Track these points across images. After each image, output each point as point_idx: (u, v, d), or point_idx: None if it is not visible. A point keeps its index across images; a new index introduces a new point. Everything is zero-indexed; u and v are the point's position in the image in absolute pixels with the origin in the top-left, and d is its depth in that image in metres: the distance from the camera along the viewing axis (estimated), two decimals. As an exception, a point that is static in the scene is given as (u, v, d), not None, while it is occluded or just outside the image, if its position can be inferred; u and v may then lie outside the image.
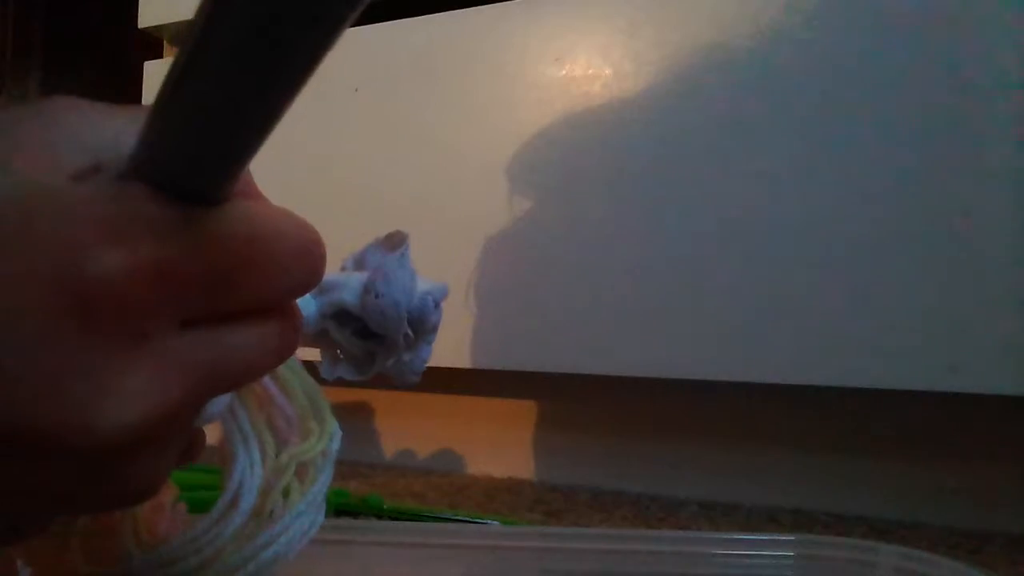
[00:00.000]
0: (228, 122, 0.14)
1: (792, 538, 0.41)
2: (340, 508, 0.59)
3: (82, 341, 0.16)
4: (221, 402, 0.25)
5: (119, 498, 0.19)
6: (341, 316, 0.28)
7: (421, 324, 0.29)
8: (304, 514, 0.27)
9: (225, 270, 0.17)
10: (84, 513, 0.20)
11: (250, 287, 0.18)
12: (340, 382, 0.31)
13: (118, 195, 0.16)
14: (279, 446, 0.27)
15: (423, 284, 0.29)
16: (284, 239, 0.18)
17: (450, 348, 0.69)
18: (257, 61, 0.13)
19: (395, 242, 0.29)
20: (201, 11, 0.12)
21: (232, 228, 0.17)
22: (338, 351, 0.30)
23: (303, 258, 0.19)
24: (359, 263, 0.29)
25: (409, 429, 0.84)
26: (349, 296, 0.28)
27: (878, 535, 0.58)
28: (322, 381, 0.30)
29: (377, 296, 0.27)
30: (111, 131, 0.17)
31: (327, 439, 0.28)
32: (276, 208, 0.19)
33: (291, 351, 0.20)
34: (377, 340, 0.29)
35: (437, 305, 0.29)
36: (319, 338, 0.29)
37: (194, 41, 0.13)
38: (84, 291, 0.15)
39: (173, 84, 0.14)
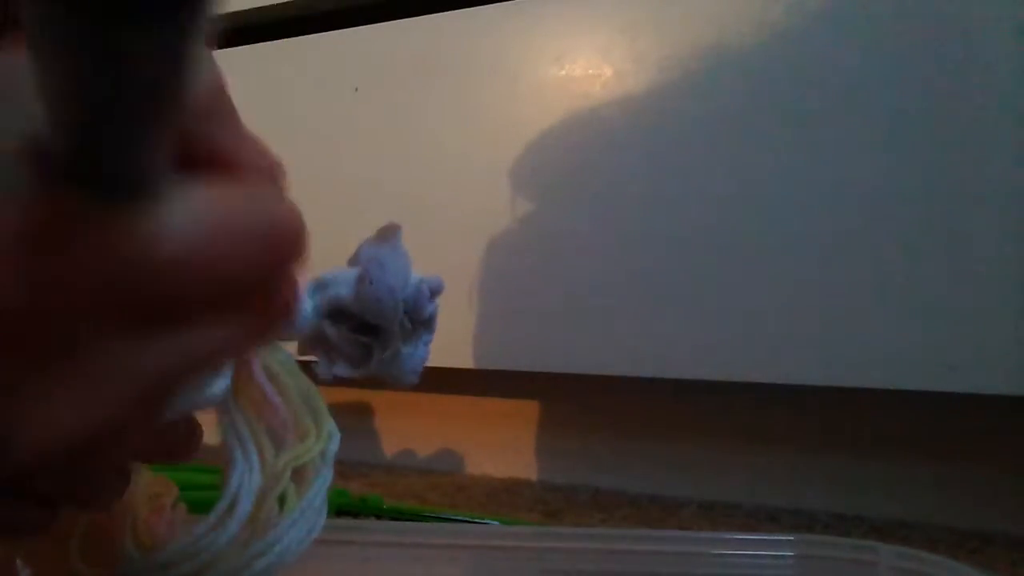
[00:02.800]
0: (103, 85, 0.11)
1: (792, 538, 0.41)
2: (340, 508, 0.59)
3: None
4: (219, 386, 0.24)
5: (83, 501, 0.19)
6: (336, 314, 0.28)
7: (416, 313, 0.29)
8: (300, 521, 0.26)
9: (166, 272, 0.15)
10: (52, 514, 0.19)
11: (197, 287, 0.16)
12: (340, 382, 0.31)
13: (17, 192, 0.14)
14: (276, 449, 0.27)
15: (417, 276, 0.29)
16: (230, 233, 0.16)
17: (450, 348, 0.69)
18: None
19: (387, 232, 0.29)
20: None
21: (159, 227, 0.15)
22: (330, 338, 0.30)
23: (260, 245, 0.16)
24: (352, 259, 0.29)
25: (409, 429, 0.84)
26: (343, 290, 0.28)
27: (878, 535, 0.58)
28: (320, 381, 0.30)
29: (371, 283, 0.27)
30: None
31: (324, 440, 0.28)
32: (229, 192, 0.16)
33: (274, 327, 0.19)
34: (373, 333, 0.29)
35: (433, 295, 0.29)
36: (314, 341, 0.29)
37: None
38: None
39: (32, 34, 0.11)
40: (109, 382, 0.16)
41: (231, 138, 0.17)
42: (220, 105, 0.17)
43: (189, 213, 0.15)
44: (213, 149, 0.17)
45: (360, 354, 0.29)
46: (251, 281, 0.17)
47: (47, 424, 0.15)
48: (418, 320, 0.29)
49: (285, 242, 0.17)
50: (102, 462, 0.18)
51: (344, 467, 0.77)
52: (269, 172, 0.18)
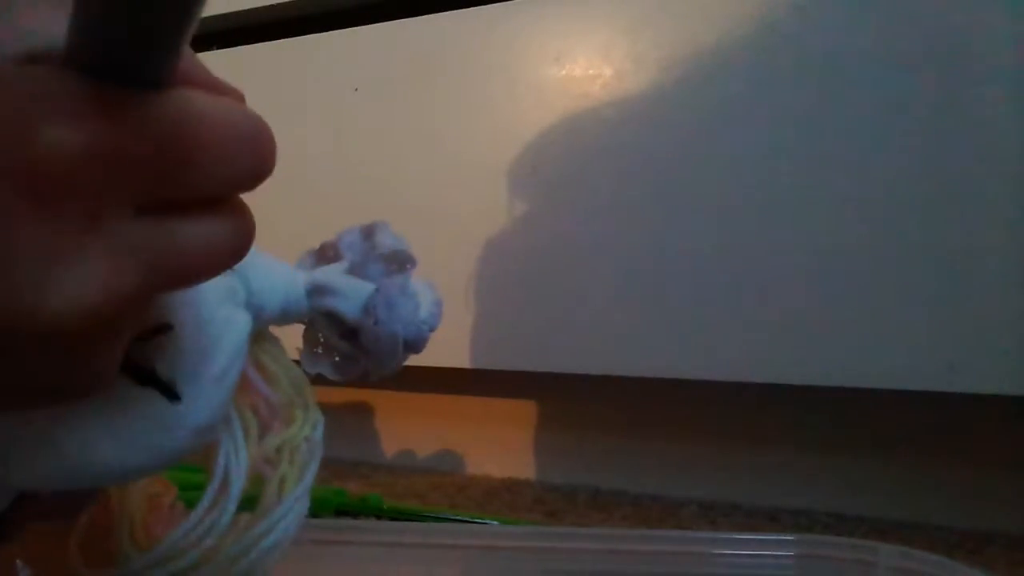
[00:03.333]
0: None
1: (792, 538, 0.41)
2: (340, 508, 0.59)
3: (33, 222, 0.15)
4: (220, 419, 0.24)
5: (74, 388, 0.19)
6: (333, 316, 0.28)
7: (412, 348, 0.29)
8: (300, 500, 0.27)
9: (172, 153, 0.17)
10: (40, 406, 0.20)
11: (197, 173, 0.17)
12: (330, 380, 0.31)
13: (65, 77, 0.16)
14: (262, 430, 0.27)
15: (423, 307, 0.29)
16: (227, 125, 0.18)
17: (450, 348, 0.69)
18: None
19: (401, 261, 0.29)
20: None
21: (176, 110, 0.17)
22: (321, 336, 0.30)
23: (250, 144, 0.19)
24: (359, 269, 0.29)
25: (409, 429, 0.84)
26: (347, 308, 0.28)
27: (878, 535, 0.58)
28: (315, 380, 0.30)
29: (376, 322, 0.27)
30: (57, 17, 0.17)
31: (310, 426, 0.28)
32: (220, 97, 0.18)
33: (242, 252, 0.20)
34: (364, 351, 0.29)
35: (432, 330, 0.29)
36: (306, 333, 0.29)
37: None
38: (34, 170, 0.15)
39: None
40: (127, 255, 0.17)
41: (205, 69, 0.20)
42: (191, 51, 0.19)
43: (195, 102, 0.17)
44: (194, 72, 0.18)
45: (346, 362, 0.29)
46: (239, 174, 0.19)
47: (73, 290, 0.16)
48: (411, 352, 0.29)
49: (266, 143, 0.19)
50: (105, 347, 0.19)
51: (344, 467, 0.77)
52: (239, 96, 0.21)
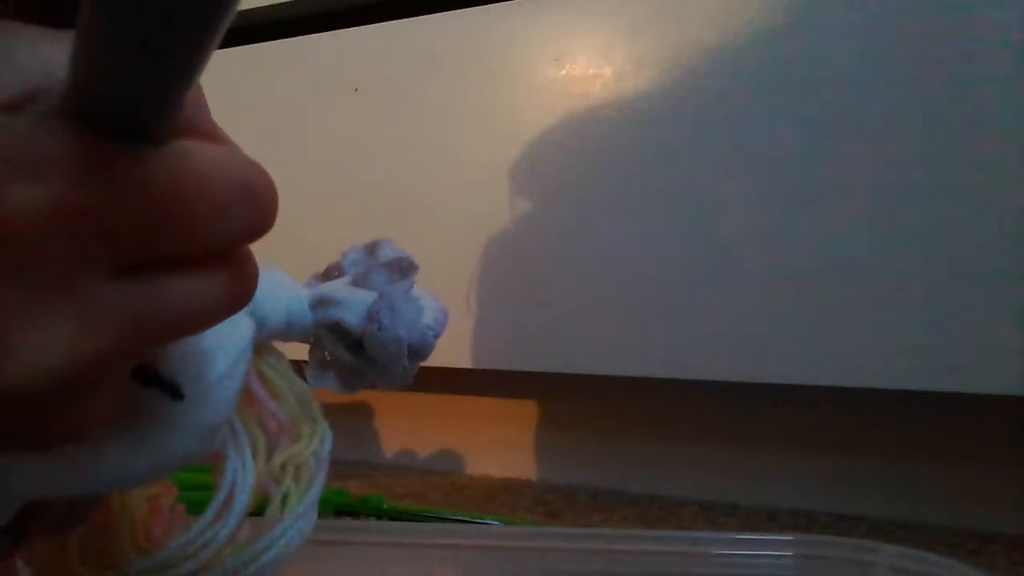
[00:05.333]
0: (150, 44, 0.13)
1: (792, 538, 0.41)
2: (340, 508, 0.59)
3: None
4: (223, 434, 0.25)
5: (59, 438, 0.19)
6: (336, 329, 0.28)
7: (417, 355, 0.29)
8: (303, 517, 0.27)
9: (158, 213, 0.16)
10: (27, 451, 0.20)
11: (187, 231, 0.17)
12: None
13: (46, 129, 0.15)
14: (270, 447, 0.27)
15: (427, 313, 0.29)
16: (224, 179, 0.17)
17: (450, 348, 0.69)
18: None
19: (403, 267, 0.29)
20: None
21: (165, 167, 0.16)
22: (326, 354, 0.30)
23: (247, 200, 0.18)
24: (362, 279, 0.29)
25: (409, 429, 0.84)
26: (350, 317, 0.28)
27: (878, 535, 0.58)
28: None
29: (379, 328, 0.27)
30: (57, 58, 0.16)
31: (318, 440, 0.28)
32: (220, 148, 0.17)
33: (242, 302, 0.19)
34: (369, 361, 0.29)
35: (436, 337, 0.29)
36: (311, 348, 0.29)
37: None
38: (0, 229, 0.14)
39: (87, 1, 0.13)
40: (102, 317, 0.16)
41: (209, 116, 0.19)
42: (199, 90, 0.18)
43: (188, 157, 0.16)
44: (195, 120, 0.18)
45: (352, 374, 0.29)
46: (235, 232, 0.18)
47: (32, 356, 0.15)
48: (417, 359, 0.29)
49: (267, 199, 0.18)
50: (89, 399, 0.18)
51: (344, 467, 0.77)
52: (244, 153, 0.20)
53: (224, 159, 0.17)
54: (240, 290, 0.19)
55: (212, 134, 0.18)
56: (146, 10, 0.12)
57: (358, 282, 0.29)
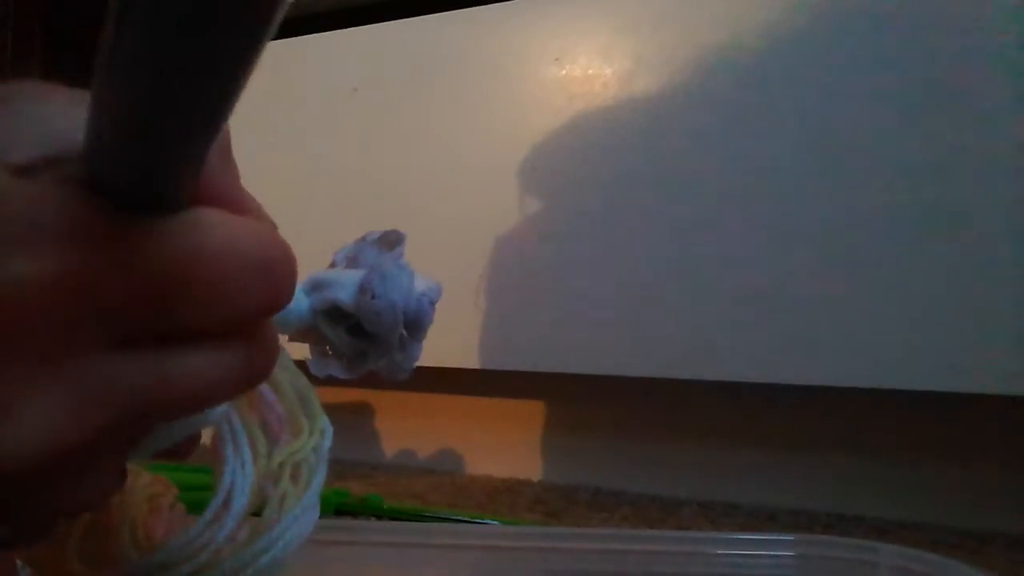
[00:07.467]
0: (165, 112, 0.12)
1: (792, 538, 0.41)
2: (340, 508, 0.59)
3: None
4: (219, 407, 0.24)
5: (42, 520, 0.18)
6: (333, 313, 0.28)
7: (416, 325, 0.29)
8: (301, 518, 0.26)
9: (164, 287, 0.15)
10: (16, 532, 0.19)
11: (195, 307, 0.16)
12: (338, 381, 0.30)
13: (56, 196, 0.14)
14: (270, 445, 0.27)
15: (419, 282, 0.29)
16: (239, 255, 0.16)
17: (452, 348, 0.69)
18: (190, 39, 0.11)
19: (391, 240, 0.29)
20: None
21: (177, 241, 0.15)
22: (328, 348, 0.30)
23: (263, 276, 0.17)
24: (352, 260, 0.29)
25: (409, 429, 0.84)
26: (344, 295, 0.28)
27: (878, 535, 0.58)
28: (315, 379, 0.30)
29: (373, 297, 0.27)
30: (79, 120, 0.15)
31: (318, 435, 0.28)
32: (239, 220, 0.16)
33: (260, 377, 0.18)
34: (369, 339, 0.28)
35: (432, 304, 0.29)
36: (309, 334, 0.29)
37: (116, 12, 0.11)
38: None
39: (101, 67, 0.12)
40: (97, 393, 0.15)
41: (235, 180, 0.18)
42: (227, 150, 0.18)
43: (203, 230, 0.16)
44: (218, 186, 0.17)
45: (355, 357, 0.29)
46: (250, 308, 0.17)
47: (20, 428, 0.14)
48: (416, 331, 0.29)
49: (284, 275, 0.17)
50: (76, 477, 0.17)
51: (344, 467, 0.77)
52: (267, 218, 0.19)
53: (242, 233, 0.16)
54: (256, 366, 0.18)
55: (236, 201, 0.17)
56: (158, 79, 0.12)
57: (349, 265, 0.29)
